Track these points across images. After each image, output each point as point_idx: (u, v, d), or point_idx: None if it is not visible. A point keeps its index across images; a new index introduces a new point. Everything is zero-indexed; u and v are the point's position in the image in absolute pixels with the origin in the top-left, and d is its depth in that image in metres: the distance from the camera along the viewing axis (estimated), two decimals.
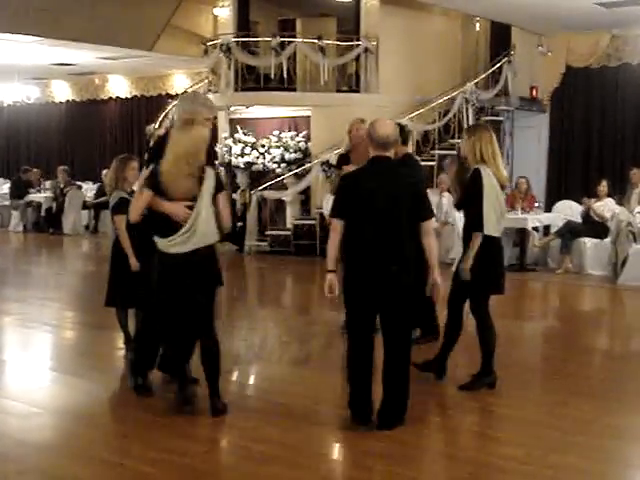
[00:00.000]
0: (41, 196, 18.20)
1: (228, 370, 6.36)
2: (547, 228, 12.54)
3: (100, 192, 18.10)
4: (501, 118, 14.61)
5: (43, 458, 4.76)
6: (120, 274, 6.51)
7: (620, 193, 12.34)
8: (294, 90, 14.42)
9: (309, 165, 14.01)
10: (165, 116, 16.83)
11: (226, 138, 14.92)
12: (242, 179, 14.77)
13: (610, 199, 11.80)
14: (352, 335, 5.04)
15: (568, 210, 12.69)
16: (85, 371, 6.44)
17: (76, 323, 8.75)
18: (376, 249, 4.89)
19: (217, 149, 14.78)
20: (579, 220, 11.94)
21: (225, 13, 15.89)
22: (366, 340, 4.97)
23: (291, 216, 14.25)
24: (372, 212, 4.90)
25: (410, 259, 4.94)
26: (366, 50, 14.16)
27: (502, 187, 5.75)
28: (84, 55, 17.18)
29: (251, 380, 6.50)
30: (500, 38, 14.86)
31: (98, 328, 7.92)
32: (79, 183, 18.82)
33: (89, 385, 5.84)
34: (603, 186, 11.88)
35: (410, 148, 13.27)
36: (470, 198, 5.71)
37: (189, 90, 17.42)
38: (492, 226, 5.67)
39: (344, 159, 7.14)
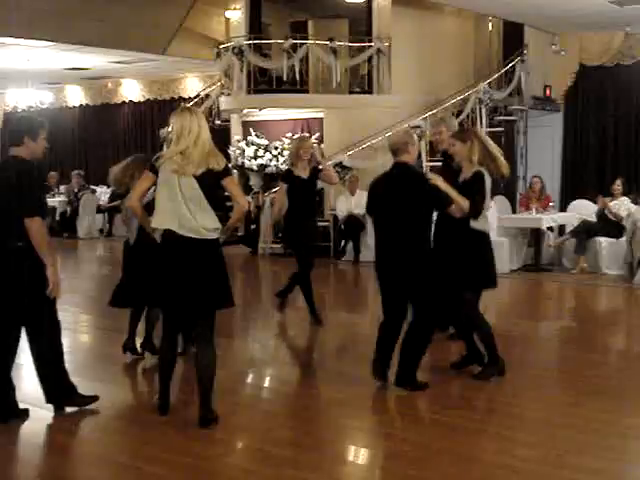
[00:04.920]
0: (55, 200, 18.26)
1: (243, 372, 6.38)
2: (562, 228, 12.49)
3: (114, 196, 18.17)
4: (515, 118, 14.57)
5: (59, 462, 4.77)
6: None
7: (636, 192, 12.27)
8: (306, 92, 14.42)
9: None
10: None
11: (239, 141, 14.93)
12: (255, 181, 14.79)
13: (625, 198, 11.73)
14: (384, 310, 5.93)
15: (583, 209, 12.63)
16: (101, 374, 6.45)
17: (92, 326, 8.79)
18: (388, 242, 5.79)
19: (230, 152, 14.81)
20: (594, 219, 11.87)
21: (237, 15, 15.93)
22: (392, 315, 5.85)
23: None
24: (385, 210, 5.79)
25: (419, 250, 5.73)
26: (378, 51, 14.14)
27: (502, 177, 6.10)
28: (97, 59, 17.26)
29: (266, 382, 6.49)
30: (513, 37, 14.80)
31: (114, 331, 7.93)
32: (93, 187, 18.88)
33: (105, 388, 5.84)
34: (618, 185, 11.82)
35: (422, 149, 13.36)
36: (472, 197, 5.89)
37: (202, 93, 17.50)
38: (486, 222, 6.11)
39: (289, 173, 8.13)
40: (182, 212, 4.91)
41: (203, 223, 4.93)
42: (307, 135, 9.43)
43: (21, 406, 5.31)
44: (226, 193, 5.21)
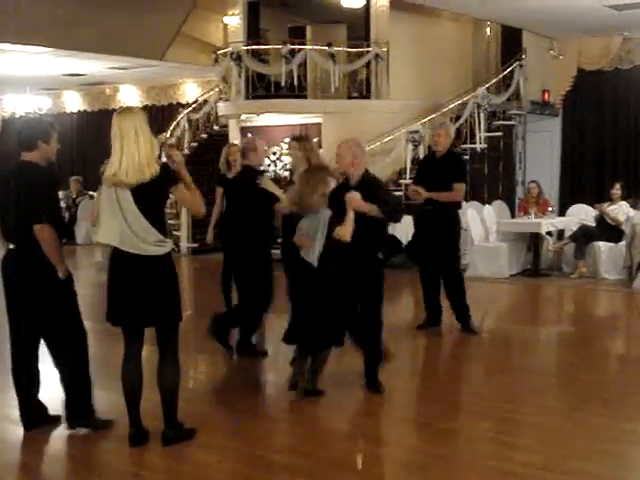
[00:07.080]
0: None
1: (239, 379, 6.36)
2: (561, 232, 12.48)
3: None
4: (513, 122, 14.57)
5: (60, 468, 4.76)
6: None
7: (634, 196, 12.27)
8: (305, 97, 14.41)
9: None
10: (177, 125, 16.88)
11: None
12: None
13: (624, 202, 11.72)
14: None
15: (582, 214, 12.62)
16: (101, 381, 6.39)
17: (91, 332, 8.72)
18: None
19: None
20: (593, 224, 11.87)
21: (235, 21, 15.92)
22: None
23: None
24: None
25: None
26: (377, 56, 14.13)
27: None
28: (95, 65, 17.23)
29: (266, 389, 6.47)
30: (511, 42, 14.83)
31: (114, 337, 7.89)
32: (91, 193, 18.82)
33: (105, 394, 5.81)
34: (617, 189, 11.81)
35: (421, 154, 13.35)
36: None
37: (200, 99, 17.50)
38: None
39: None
40: (123, 228, 4.63)
41: (144, 237, 4.63)
42: (235, 143, 10.23)
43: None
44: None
